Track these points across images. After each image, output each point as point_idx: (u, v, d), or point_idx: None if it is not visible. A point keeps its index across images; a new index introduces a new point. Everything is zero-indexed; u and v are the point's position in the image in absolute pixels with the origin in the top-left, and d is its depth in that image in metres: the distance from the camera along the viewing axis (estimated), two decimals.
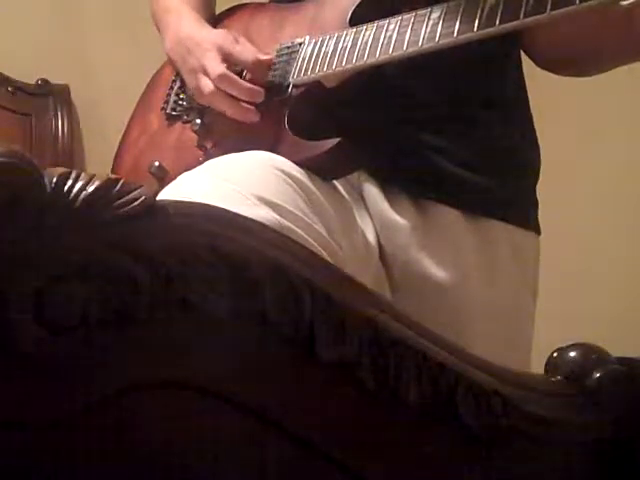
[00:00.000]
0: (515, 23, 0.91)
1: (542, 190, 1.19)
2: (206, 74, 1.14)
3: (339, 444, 0.52)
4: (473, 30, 0.94)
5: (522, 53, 1.19)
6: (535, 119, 1.21)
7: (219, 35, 1.18)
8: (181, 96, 1.25)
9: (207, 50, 1.15)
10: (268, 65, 1.14)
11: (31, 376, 0.44)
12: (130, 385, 0.46)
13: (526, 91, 1.21)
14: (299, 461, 0.52)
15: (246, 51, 1.15)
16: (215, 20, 1.31)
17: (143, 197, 0.46)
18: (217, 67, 1.13)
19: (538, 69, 1.19)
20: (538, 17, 0.89)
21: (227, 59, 1.14)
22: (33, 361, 0.44)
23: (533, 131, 1.21)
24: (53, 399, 0.45)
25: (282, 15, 1.21)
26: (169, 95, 1.27)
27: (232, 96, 1.12)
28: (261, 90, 1.12)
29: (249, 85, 1.12)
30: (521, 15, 0.90)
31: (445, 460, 0.56)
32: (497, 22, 0.92)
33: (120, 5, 2.45)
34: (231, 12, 1.32)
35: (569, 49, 1.11)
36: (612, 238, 2.58)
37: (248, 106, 1.12)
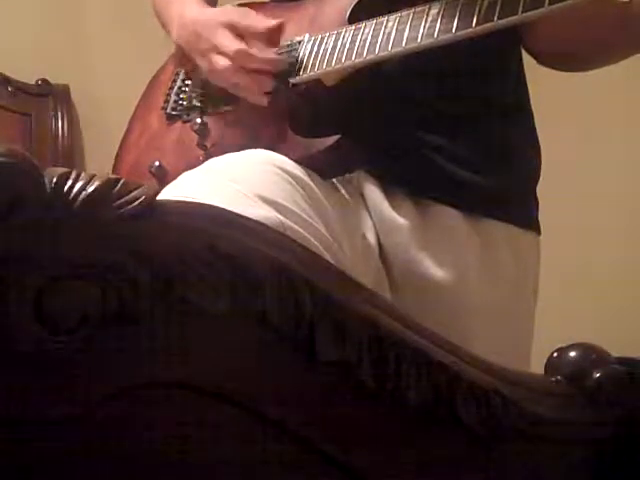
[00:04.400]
0: (514, 18, 0.91)
1: (542, 190, 1.19)
2: (220, 52, 1.13)
3: (339, 444, 0.52)
4: (472, 26, 0.93)
5: (523, 52, 1.19)
6: (535, 119, 1.21)
7: (226, 11, 1.17)
8: (181, 95, 1.25)
9: (217, 28, 1.14)
10: (280, 30, 1.13)
11: (31, 376, 0.44)
12: (130, 385, 0.46)
13: (527, 90, 1.21)
14: (299, 461, 0.52)
15: (257, 21, 1.14)
16: None
17: (143, 197, 0.46)
18: (232, 44, 1.12)
19: (539, 69, 1.19)
20: (537, 12, 0.89)
21: (240, 33, 1.13)
22: (33, 361, 0.44)
23: (534, 130, 1.21)
24: (53, 399, 0.45)
25: (281, 14, 1.21)
26: (169, 95, 1.27)
27: (250, 70, 1.11)
28: (281, 58, 1.11)
29: (269, 56, 1.11)
30: (520, 10, 0.90)
31: (445, 460, 0.56)
32: (496, 18, 0.92)
33: (120, 5, 2.45)
34: None
35: (569, 44, 1.11)
36: (612, 238, 2.58)
37: (266, 78, 1.10)
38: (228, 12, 1.17)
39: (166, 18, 1.28)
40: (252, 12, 1.16)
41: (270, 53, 1.12)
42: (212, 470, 0.50)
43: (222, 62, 1.12)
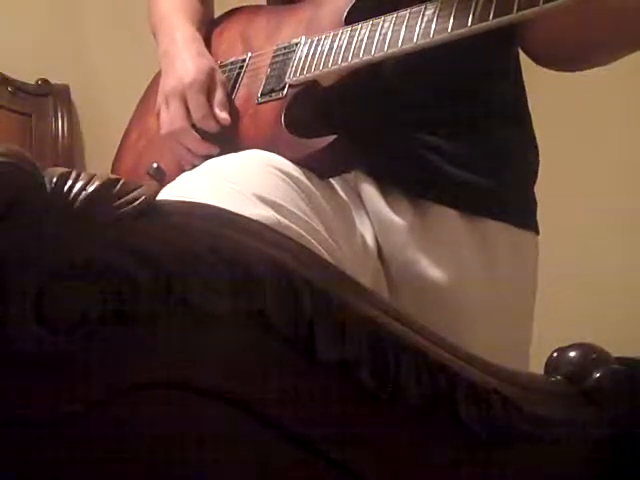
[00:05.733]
0: (509, 17, 0.91)
1: (542, 190, 1.19)
2: (168, 114, 1.17)
3: (339, 444, 0.52)
4: (467, 25, 0.94)
5: (521, 53, 1.19)
6: (535, 119, 1.21)
7: (191, 73, 1.17)
8: None
9: (174, 94, 1.17)
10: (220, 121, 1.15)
11: (31, 376, 0.44)
12: (130, 385, 0.46)
13: (525, 91, 1.21)
14: (299, 461, 0.52)
15: (199, 107, 1.15)
16: (213, 24, 1.31)
17: (143, 197, 0.46)
18: (178, 119, 1.16)
19: (537, 69, 1.19)
20: (531, 10, 0.90)
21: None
22: (33, 361, 0.44)
23: (532, 131, 1.21)
24: (53, 399, 0.45)
25: (279, 17, 1.21)
26: None
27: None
28: (217, 148, 1.14)
29: (204, 144, 1.15)
30: (514, 8, 0.91)
31: (445, 460, 0.56)
32: (491, 16, 0.92)
33: (120, 5, 2.45)
34: (229, 15, 1.32)
35: (565, 44, 1.11)
36: (612, 238, 2.58)
37: (198, 157, 1.14)
38: (192, 77, 1.16)
39: (157, 34, 1.29)
40: (216, 80, 1.17)
41: (205, 149, 1.15)
42: (212, 470, 0.50)
43: (165, 126, 1.18)
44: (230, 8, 1.34)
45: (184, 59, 1.19)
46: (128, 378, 0.46)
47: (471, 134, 1.13)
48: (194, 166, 1.10)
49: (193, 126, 1.16)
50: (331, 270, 0.54)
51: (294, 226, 0.93)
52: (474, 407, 0.55)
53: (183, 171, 1.06)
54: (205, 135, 1.16)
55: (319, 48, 1.09)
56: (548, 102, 1.82)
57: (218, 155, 1.06)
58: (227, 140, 1.14)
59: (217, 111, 1.15)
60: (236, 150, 1.04)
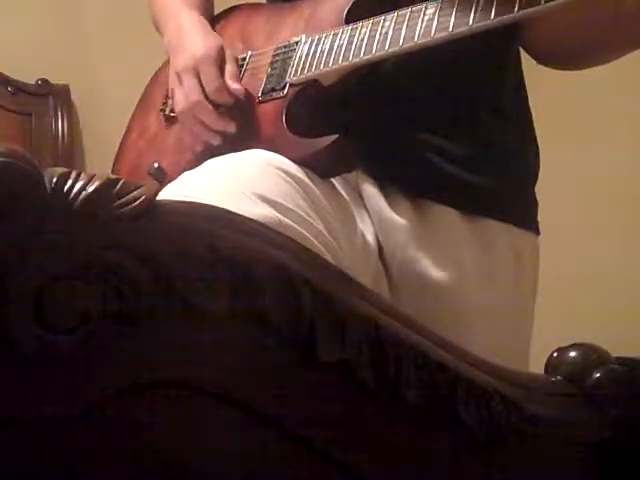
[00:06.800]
0: (510, 16, 0.92)
1: (542, 190, 1.19)
2: (183, 91, 1.16)
3: (339, 444, 0.52)
4: (468, 24, 0.94)
5: (522, 52, 1.19)
6: (535, 119, 1.21)
7: (202, 49, 1.17)
8: None
9: (187, 69, 1.16)
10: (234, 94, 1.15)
11: (31, 376, 0.44)
12: (130, 385, 0.46)
13: (526, 91, 1.21)
14: (299, 461, 0.52)
15: (212, 80, 1.15)
16: (213, 21, 1.31)
17: (143, 197, 0.46)
18: (193, 93, 1.15)
19: (538, 69, 1.19)
20: (532, 9, 0.90)
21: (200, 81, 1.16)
22: (33, 361, 0.44)
23: (532, 131, 1.21)
24: (53, 399, 0.45)
25: (279, 15, 1.21)
26: (167, 96, 1.27)
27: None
28: (232, 123, 1.13)
29: (220, 118, 1.14)
30: (516, 8, 0.91)
31: (445, 460, 0.56)
32: (492, 16, 0.92)
33: (120, 5, 2.45)
34: (228, 13, 1.32)
35: (566, 44, 1.11)
36: (612, 238, 2.58)
37: (214, 134, 1.14)
38: (204, 52, 1.16)
39: (161, 23, 1.29)
40: (227, 56, 1.17)
41: (221, 124, 1.14)
42: (212, 470, 0.50)
43: (181, 103, 1.16)
44: (229, 6, 1.34)
45: (193, 38, 1.20)
46: (128, 378, 0.46)
47: (471, 134, 1.13)
48: (206, 150, 1.10)
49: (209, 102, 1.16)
50: (331, 270, 0.54)
51: (295, 225, 0.93)
52: (474, 407, 0.55)
53: (184, 170, 1.05)
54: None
55: (320, 47, 1.09)
56: (549, 102, 1.82)
57: (220, 154, 1.06)
58: (227, 139, 1.14)
59: (229, 82, 1.15)
60: (237, 149, 1.04)
